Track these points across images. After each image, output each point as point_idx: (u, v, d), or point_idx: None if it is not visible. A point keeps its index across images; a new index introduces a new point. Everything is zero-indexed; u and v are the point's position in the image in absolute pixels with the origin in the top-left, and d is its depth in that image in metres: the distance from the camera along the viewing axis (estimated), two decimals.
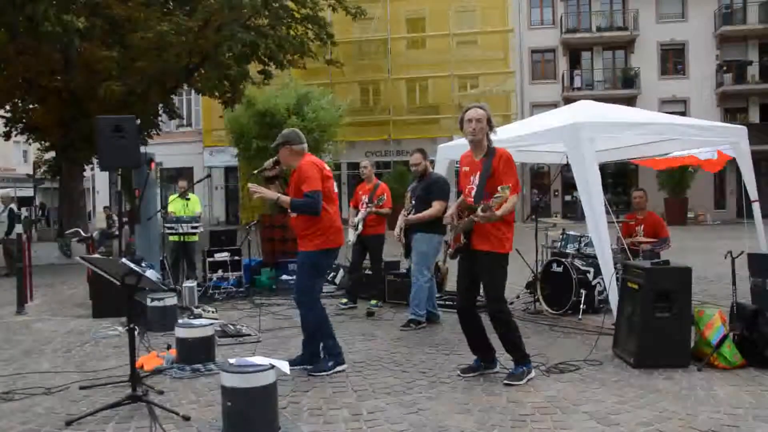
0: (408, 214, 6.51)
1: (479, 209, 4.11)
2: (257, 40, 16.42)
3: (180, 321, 5.31)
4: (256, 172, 4.79)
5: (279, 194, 4.60)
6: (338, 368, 4.67)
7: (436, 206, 6.20)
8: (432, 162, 8.74)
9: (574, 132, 5.87)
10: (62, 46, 14.19)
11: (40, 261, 13.05)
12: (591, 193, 5.72)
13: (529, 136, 6.61)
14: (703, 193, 27.05)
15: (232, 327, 6.10)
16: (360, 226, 7.33)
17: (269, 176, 4.77)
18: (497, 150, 4.36)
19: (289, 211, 4.73)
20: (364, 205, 7.32)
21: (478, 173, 4.35)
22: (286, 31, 17.97)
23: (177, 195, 9.59)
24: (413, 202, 6.49)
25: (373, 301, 7.43)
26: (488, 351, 4.55)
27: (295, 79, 20.48)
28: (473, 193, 4.35)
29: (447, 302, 7.16)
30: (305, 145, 4.78)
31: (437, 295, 7.51)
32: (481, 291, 4.57)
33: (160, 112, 20.58)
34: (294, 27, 18.35)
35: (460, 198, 4.63)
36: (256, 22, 17.16)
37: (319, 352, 4.74)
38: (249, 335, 5.93)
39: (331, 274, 8.80)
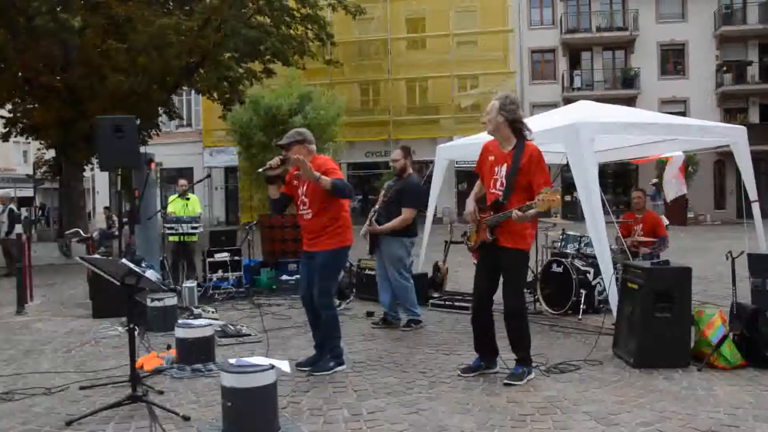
0: (376, 212, 6.25)
1: (517, 211, 4.06)
2: (261, 37, 16.42)
3: (180, 321, 5.31)
4: (261, 170, 4.70)
5: (319, 174, 4.39)
6: (338, 368, 4.68)
7: (405, 214, 6.02)
8: (431, 162, 8.76)
9: (573, 132, 5.87)
10: (62, 42, 14.19)
11: (40, 261, 13.06)
12: (590, 194, 5.72)
13: None
14: (703, 193, 27.06)
15: (232, 327, 6.09)
16: None
17: (272, 175, 4.68)
18: (527, 144, 4.28)
19: (301, 210, 4.69)
20: None
21: (506, 165, 4.29)
22: (286, 30, 17.99)
23: (177, 195, 9.59)
24: (383, 200, 6.25)
25: (337, 302, 7.32)
26: (492, 352, 4.55)
27: (297, 78, 20.52)
28: (501, 186, 4.28)
29: (447, 302, 7.15)
30: (315, 146, 4.79)
31: (436, 295, 7.52)
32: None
33: (160, 112, 20.58)
34: (294, 27, 18.37)
35: (478, 188, 4.58)
36: (258, 20, 17.17)
37: (341, 351, 4.77)
38: (249, 335, 5.93)
39: None
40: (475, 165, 4.66)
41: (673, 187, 8.33)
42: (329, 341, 4.72)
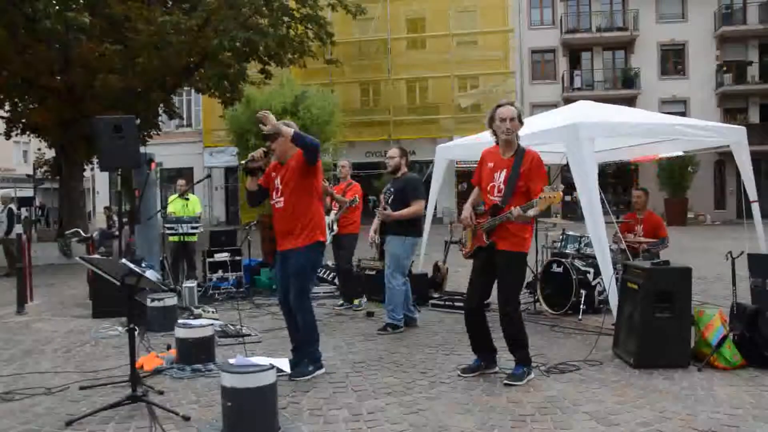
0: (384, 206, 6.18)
1: (518, 209, 4.10)
2: (256, 38, 16.41)
3: (180, 321, 5.31)
4: (244, 162, 4.65)
5: (281, 124, 4.34)
6: (317, 373, 4.58)
7: (416, 206, 6.00)
8: (431, 162, 8.76)
9: (573, 132, 5.87)
10: (62, 44, 14.19)
11: (40, 261, 13.06)
12: (590, 194, 5.72)
13: (528, 136, 6.56)
14: (703, 193, 27.07)
15: (232, 327, 6.10)
16: (335, 227, 7.26)
17: (253, 167, 4.62)
18: (527, 150, 4.35)
19: (275, 199, 4.61)
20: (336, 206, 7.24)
21: (505, 171, 4.33)
22: (285, 31, 17.99)
23: (177, 195, 9.59)
24: (389, 202, 6.19)
25: (356, 301, 7.33)
26: (490, 351, 4.56)
27: (292, 79, 20.48)
28: (499, 193, 4.33)
29: (447, 302, 7.15)
30: None
31: (436, 296, 7.52)
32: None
33: (160, 112, 20.56)
34: (294, 26, 18.37)
35: (475, 195, 4.60)
36: (257, 21, 17.17)
37: (319, 355, 4.69)
38: (249, 335, 5.94)
39: (331, 275, 8.79)
40: (476, 165, 4.67)
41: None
42: (306, 345, 4.61)
